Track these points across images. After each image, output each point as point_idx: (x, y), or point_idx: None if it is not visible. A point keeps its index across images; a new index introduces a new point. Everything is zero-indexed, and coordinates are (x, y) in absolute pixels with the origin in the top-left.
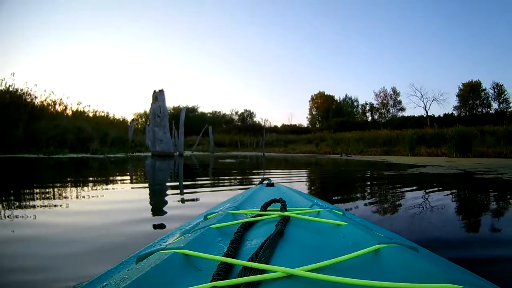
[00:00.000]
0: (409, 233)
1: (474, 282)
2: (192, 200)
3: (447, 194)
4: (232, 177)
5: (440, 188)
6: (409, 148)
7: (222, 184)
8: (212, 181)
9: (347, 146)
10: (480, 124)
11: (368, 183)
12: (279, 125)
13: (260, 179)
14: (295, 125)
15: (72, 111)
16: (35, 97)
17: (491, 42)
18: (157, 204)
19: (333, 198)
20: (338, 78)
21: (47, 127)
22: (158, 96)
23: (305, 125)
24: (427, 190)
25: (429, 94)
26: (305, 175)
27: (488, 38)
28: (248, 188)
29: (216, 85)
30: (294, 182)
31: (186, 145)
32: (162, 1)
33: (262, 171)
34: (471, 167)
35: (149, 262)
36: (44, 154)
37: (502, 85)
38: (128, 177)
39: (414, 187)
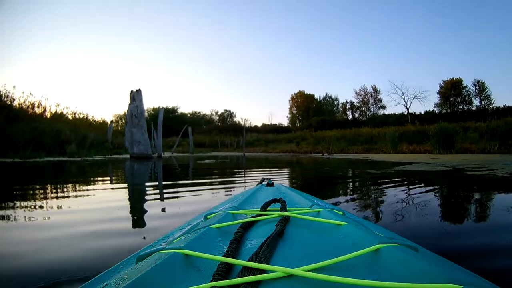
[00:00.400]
0: (416, 235)
1: (474, 282)
2: (171, 198)
3: (441, 192)
4: (212, 178)
5: (424, 185)
6: (391, 146)
7: (202, 183)
8: (192, 181)
9: (328, 144)
10: (462, 120)
11: (358, 181)
12: (259, 124)
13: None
14: (276, 124)
15: (51, 113)
16: (13, 99)
17: (472, 40)
18: (133, 204)
19: (318, 193)
20: (318, 77)
21: (25, 130)
22: (135, 96)
23: (286, 125)
24: (411, 187)
25: (410, 91)
26: (287, 174)
27: (469, 35)
28: (233, 187)
29: (195, 86)
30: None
31: (166, 146)
32: (141, 1)
33: (242, 170)
34: (459, 164)
35: (149, 262)
36: (20, 158)
37: (484, 82)
38: (100, 181)
39: (406, 186)
